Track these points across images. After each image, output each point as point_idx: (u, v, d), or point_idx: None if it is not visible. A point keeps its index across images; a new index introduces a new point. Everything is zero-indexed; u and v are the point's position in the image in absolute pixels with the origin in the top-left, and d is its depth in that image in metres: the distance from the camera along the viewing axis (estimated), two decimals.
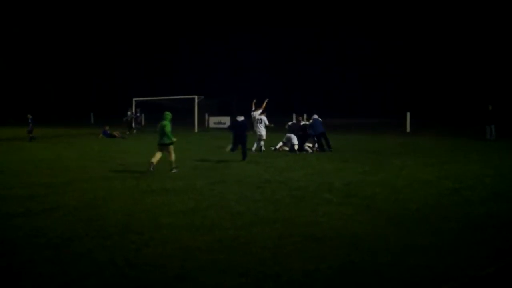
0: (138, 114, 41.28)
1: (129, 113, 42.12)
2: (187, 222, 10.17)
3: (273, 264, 7.58)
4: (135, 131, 39.46)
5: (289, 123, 26.82)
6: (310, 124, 25.64)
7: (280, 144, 25.87)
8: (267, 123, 25.43)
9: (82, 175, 17.06)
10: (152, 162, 18.13)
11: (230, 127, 23.47)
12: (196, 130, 47.41)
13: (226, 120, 54.92)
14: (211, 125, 55.76)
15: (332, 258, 7.83)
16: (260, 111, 26.05)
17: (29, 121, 35.97)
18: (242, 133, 21.55)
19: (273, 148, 25.88)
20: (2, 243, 8.92)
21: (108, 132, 38.54)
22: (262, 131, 25.31)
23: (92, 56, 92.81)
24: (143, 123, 41.53)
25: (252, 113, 26.34)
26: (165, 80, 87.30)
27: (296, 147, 24.76)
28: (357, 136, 36.94)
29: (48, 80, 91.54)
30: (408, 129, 43.02)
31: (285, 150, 25.30)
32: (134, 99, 54.32)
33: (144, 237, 9.09)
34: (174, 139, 18.60)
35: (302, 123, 26.11)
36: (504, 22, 61.71)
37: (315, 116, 25.93)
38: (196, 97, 49.49)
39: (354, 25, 75.67)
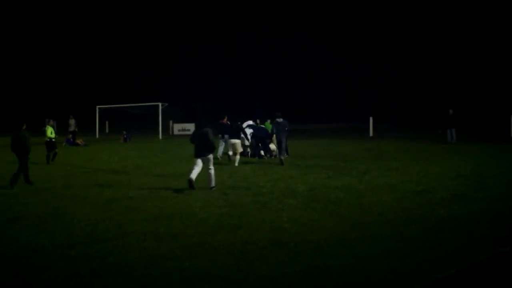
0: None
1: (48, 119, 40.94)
2: (152, 229, 10.15)
3: (237, 270, 7.60)
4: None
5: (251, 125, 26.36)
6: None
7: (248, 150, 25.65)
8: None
9: (45, 184, 16.88)
10: None
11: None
12: (160, 137, 47.18)
13: (191, 127, 54.76)
14: (176, 132, 55.54)
15: (296, 263, 7.88)
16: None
17: None
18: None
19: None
20: None
21: (71, 140, 38.15)
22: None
23: (53, 63, 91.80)
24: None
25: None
26: (128, 87, 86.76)
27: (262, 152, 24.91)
28: (320, 141, 37.14)
29: (8, 87, 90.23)
30: (371, 134, 43.39)
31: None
32: (97, 106, 53.93)
33: (108, 245, 9.04)
34: None
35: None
36: (462, 28, 62.73)
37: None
38: (160, 104, 49.25)
39: (316, 32, 76.17)
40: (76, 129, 39.95)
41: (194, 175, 15.23)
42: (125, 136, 42.92)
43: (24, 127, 17.05)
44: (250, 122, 26.51)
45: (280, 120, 22.99)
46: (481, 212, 11.39)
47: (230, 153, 23.43)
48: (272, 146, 25.16)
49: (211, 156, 15.61)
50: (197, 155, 15.57)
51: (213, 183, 15.51)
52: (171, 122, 56.14)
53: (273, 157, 24.74)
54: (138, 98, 60.84)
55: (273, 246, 8.79)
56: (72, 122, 39.67)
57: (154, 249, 8.73)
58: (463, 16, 62.53)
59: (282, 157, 22.08)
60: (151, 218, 11.17)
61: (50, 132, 24.40)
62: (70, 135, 38.95)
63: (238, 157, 22.38)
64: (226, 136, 23.82)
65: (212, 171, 15.58)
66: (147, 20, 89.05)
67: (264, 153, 25.10)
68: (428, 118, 52.90)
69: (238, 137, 22.91)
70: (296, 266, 7.73)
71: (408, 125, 53.76)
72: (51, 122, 25.07)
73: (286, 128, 22.94)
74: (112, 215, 11.62)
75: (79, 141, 38.18)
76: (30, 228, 10.53)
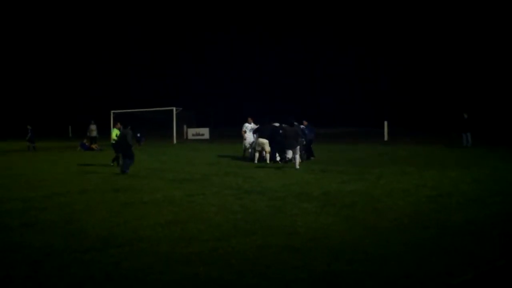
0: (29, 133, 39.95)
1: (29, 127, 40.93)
2: (166, 234, 10.14)
3: (252, 275, 7.58)
4: (31, 147, 38.54)
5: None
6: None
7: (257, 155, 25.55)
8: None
9: (60, 189, 16.93)
10: None
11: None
12: (174, 141, 47.28)
13: (205, 132, 54.86)
14: (190, 136, 55.63)
15: (311, 268, 7.85)
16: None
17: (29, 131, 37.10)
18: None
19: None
20: None
21: (86, 144, 38.32)
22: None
23: (69, 69, 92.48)
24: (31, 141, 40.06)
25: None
26: (142, 92, 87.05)
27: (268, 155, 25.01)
28: (335, 145, 37.08)
29: (26, 93, 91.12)
30: (386, 138, 43.25)
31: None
32: (112, 111, 54.12)
33: (123, 250, 9.04)
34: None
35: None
36: (477, 33, 62.43)
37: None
38: (174, 108, 49.36)
39: (332, 35, 76.06)
40: (97, 135, 39.94)
41: (297, 163, 22.36)
42: (138, 136, 43.19)
43: (129, 127, 22.70)
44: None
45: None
46: (497, 217, 11.32)
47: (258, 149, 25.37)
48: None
49: (299, 147, 22.57)
50: (289, 146, 22.64)
51: (297, 166, 22.06)
52: (185, 126, 56.24)
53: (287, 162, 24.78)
54: (152, 103, 61.07)
55: (287, 251, 8.76)
56: (93, 127, 39.67)
57: (169, 254, 8.72)
58: (479, 21, 62.22)
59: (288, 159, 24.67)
60: (166, 223, 11.17)
61: (115, 134, 24.92)
62: (85, 140, 39.11)
63: (268, 155, 24.84)
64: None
65: (298, 157, 22.58)
66: (160, 26, 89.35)
67: (281, 157, 25.12)
68: (443, 122, 52.70)
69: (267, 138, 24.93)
70: (311, 271, 7.70)
71: (423, 130, 53.52)
72: (118, 125, 25.48)
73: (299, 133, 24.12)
74: (126, 219, 11.63)
75: (93, 146, 38.34)
76: (45, 232, 10.55)
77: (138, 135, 43.58)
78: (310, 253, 8.62)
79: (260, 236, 9.87)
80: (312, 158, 26.14)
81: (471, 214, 11.55)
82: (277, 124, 25.65)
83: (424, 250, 8.72)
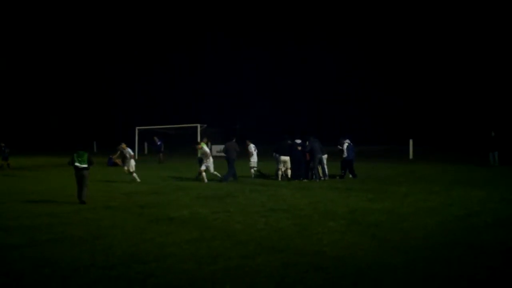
0: (3, 149, 39.05)
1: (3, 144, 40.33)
2: (192, 251, 10.16)
3: None
4: (5, 166, 37.89)
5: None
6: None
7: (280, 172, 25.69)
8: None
9: (86, 205, 17.06)
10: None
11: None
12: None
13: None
14: (214, 153, 55.60)
15: (337, 287, 7.81)
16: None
17: (3, 149, 36.93)
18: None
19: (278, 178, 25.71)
20: (7, 274, 8.87)
21: (113, 160, 38.48)
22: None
23: (94, 85, 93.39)
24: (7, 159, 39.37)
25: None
26: (167, 108, 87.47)
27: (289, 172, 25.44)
28: (361, 163, 36.87)
29: (51, 109, 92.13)
30: (411, 156, 42.98)
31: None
32: (137, 127, 54.46)
33: (149, 267, 9.07)
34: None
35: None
36: (505, 49, 61.99)
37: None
38: (199, 125, 49.52)
39: (356, 53, 75.99)
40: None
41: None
42: (158, 143, 43.67)
43: (234, 139, 27.38)
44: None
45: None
46: None
47: (283, 168, 25.62)
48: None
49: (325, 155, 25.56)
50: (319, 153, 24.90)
51: (326, 177, 25.23)
52: (209, 143, 56.22)
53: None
54: (176, 119, 61.32)
55: (313, 270, 8.72)
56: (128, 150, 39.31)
57: (195, 271, 8.74)
58: (508, 38, 61.81)
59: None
60: (192, 240, 11.19)
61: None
62: (114, 155, 39.20)
63: (289, 171, 25.50)
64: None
65: (325, 165, 25.49)
66: (183, 42, 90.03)
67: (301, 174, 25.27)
68: (469, 140, 52.25)
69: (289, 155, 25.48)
70: None
71: (448, 148, 53.13)
72: (205, 139, 26.64)
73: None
74: (152, 236, 11.68)
75: (118, 161, 38.42)
76: (72, 248, 10.63)
77: (159, 143, 44.09)
78: (336, 272, 8.58)
79: (286, 254, 9.85)
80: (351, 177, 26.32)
81: (500, 234, 11.40)
82: (298, 141, 25.65)
83: (451, 270, 8.63)
